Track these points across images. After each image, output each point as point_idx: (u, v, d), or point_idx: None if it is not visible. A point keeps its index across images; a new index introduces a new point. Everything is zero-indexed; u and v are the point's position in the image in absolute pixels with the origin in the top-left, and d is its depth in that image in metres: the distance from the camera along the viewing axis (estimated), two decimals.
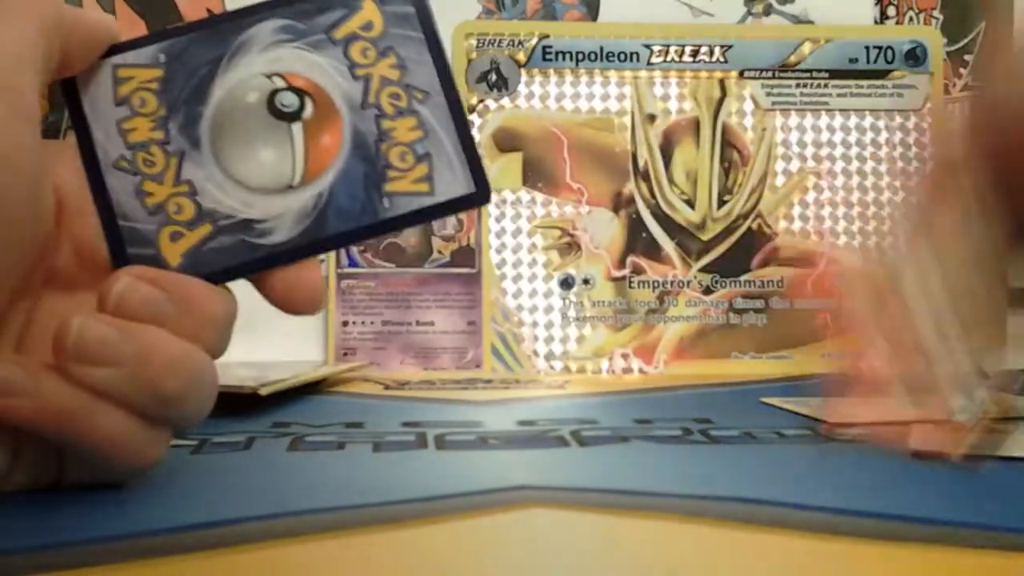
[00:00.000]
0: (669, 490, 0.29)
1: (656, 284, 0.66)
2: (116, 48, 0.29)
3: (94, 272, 0.28)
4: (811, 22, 0.73)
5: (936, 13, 0.77)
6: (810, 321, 0.66)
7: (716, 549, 0.24)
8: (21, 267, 0.27)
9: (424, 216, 0.28)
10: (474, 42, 0.67)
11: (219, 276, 0.28)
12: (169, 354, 0.26)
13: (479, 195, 0.29)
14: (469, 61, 0.67)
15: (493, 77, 0.67)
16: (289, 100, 0.28)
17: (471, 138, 0.29)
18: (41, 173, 0.27)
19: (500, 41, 0.67)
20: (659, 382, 0.59)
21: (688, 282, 0.66)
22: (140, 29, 0.78)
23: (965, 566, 0.22)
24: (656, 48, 0.68)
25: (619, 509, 0.27)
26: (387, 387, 0.56)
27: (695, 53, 0.68)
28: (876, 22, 0.75)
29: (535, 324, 0.65)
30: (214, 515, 0.25)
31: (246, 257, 0.28)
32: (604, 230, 0.66)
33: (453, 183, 0.28)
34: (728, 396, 0.52)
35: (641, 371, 0.65)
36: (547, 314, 0.65)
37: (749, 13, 0.72)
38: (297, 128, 0.28)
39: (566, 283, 0.66)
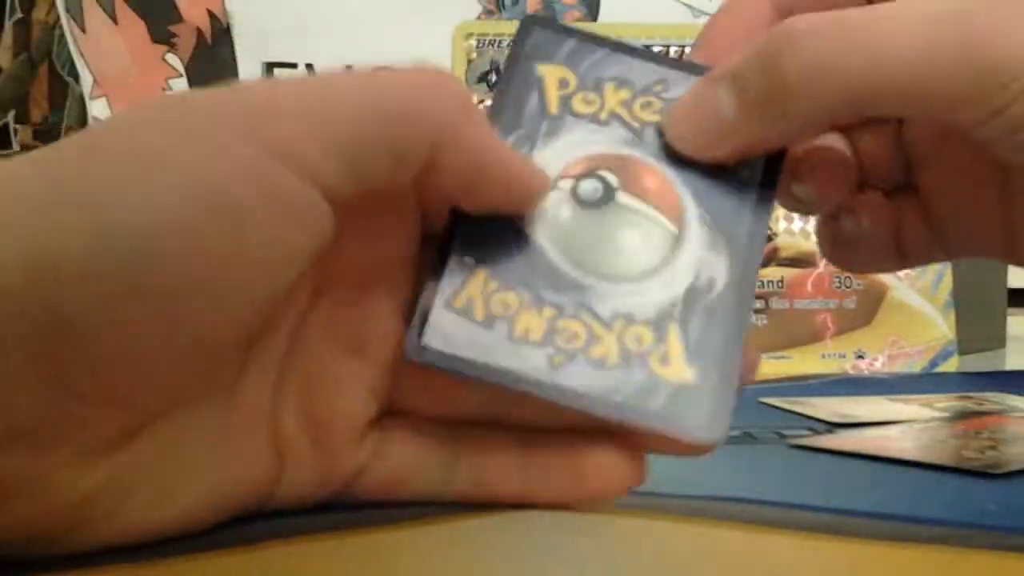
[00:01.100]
0: (669, 490, 0.29)
1: None
2: None
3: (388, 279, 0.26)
4: None
5: None
6: (810, 321, 0.66)
7: (716, 549, 0.24)
8: (286, 278, 0.23)
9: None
10: (474, 42, 0.68)
11: None
12: None
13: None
14: (469, 61, 0.67)
15: (493, 77, 0.67)
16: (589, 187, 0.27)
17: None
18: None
19: (500, 41, 0.67)
20: None
21: None
22: (140, 30, 0.78)
23: (965, 566, 0.22)
24: (656, 48, 0.68)
25: (619, 509, 0.27)
26: None
27: None
28: None
29: None
30: None
31: None
32: None
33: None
34: None
35: None
36: None
37: None
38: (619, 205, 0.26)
39: None
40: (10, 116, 0.81)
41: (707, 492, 0.28)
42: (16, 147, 0.81)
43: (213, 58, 0.76)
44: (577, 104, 0.27)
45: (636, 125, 0.27)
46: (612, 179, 0.27)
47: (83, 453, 0.21)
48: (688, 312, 0.25)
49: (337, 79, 0.23)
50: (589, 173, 0.27)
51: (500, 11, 0.71)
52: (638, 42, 0.68)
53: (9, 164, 0.21)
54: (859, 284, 0.63)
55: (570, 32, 0.28)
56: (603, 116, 0.27)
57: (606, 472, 0.25)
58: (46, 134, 0.81)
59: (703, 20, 0.72)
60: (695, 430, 0.24)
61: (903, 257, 0.30)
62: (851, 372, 0.61)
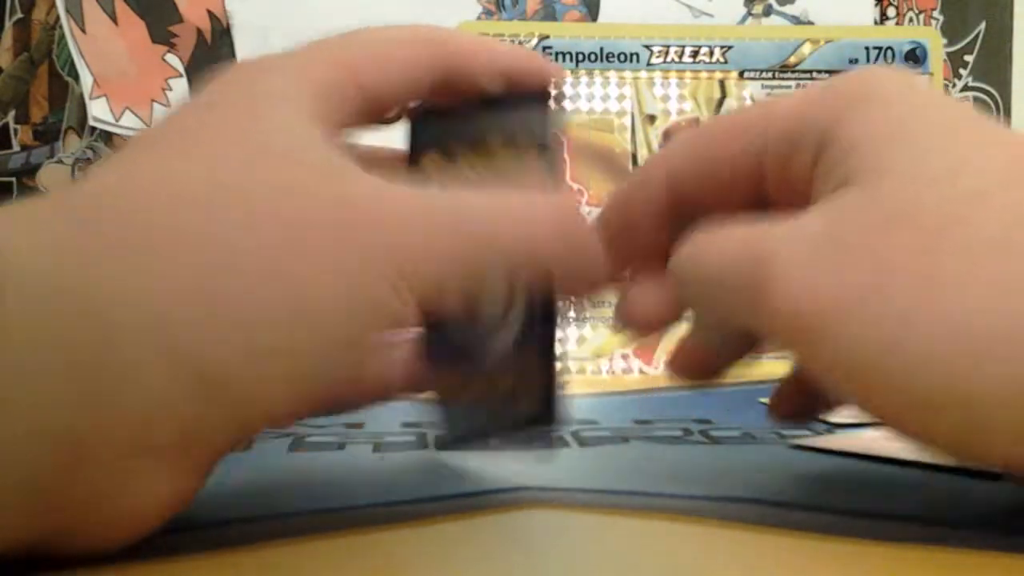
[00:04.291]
0: (669, 490, 0.29)
1: None
2: None
3: None
4: (811, 23, 0.73)
5: (936, 14, 0.78)
6: None
7: (716, 549, 0.24)
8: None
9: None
10: None
11: None
12: None
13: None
14: None
15: None
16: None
17: None
18: None
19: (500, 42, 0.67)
20: (659, 382, 0.59)
21: None
22: (140, 30, 0.78)
23: (966, 566, 0.22)
24: (656, 49, 0.68)
25: (619, 509, 0.27)
26: None
27: (695, 54, 0.68)
28: (876, 23, 0.75)
29: None
30: (214, 515, 0.25)
31: None
32: None
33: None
34: (728, 396, 0.51)
35: (641, 371, 0.65)
36: None
37: (749, 14, 0.73)
38: None
39: None
40: (10, 116, 0.81)
41: (707, 492, 0.28)
42: (16, 147, 0.81)
43: (213, 58, 0.76)
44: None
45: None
46: None
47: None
48: None
49: (468, 211, 0.25)
50: None
51: (500, 11, 0.71)
52: (638, 42, 0.68)
53: None
54: None
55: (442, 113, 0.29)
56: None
57: None
58: (46, 134, 0.81)
59: (703, 20, 0.72)
60: None
61: None
62: None
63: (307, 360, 0.22)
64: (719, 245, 0.26)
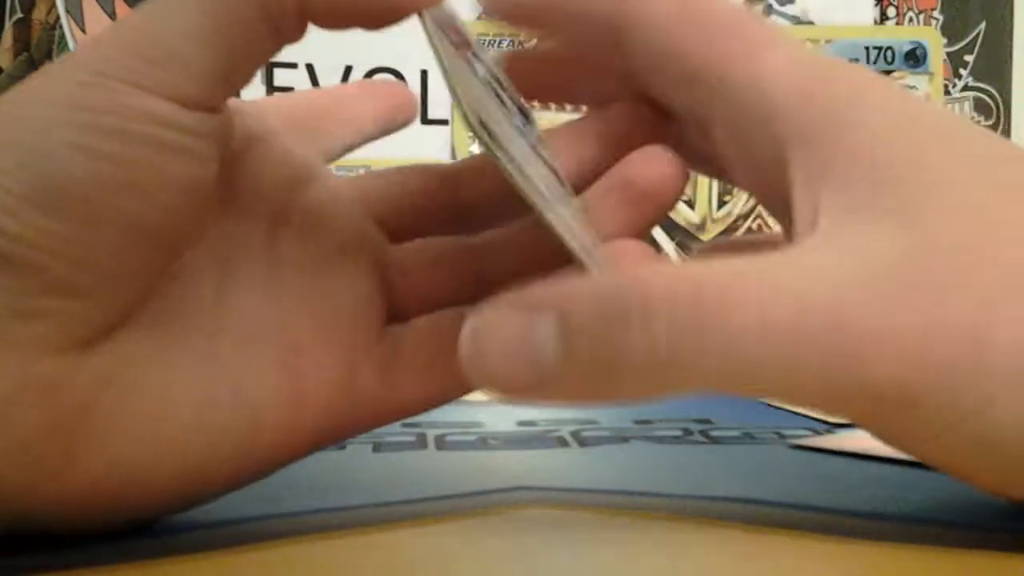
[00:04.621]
0: (669, 490, 0.29)
1: None
2: None
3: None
4: (811, 23, 0.73)
5: (936, 14, 0.78)
6: None
7: (716, 549, 0.24)
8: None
9: None
10: None
11: None
12: None
13: None
14: None
15: None
16: None
17: None
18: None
19: (500, 41, 0.67)
20: None
21: None
22: None
23: (966, 566, 0.22)
24: None
25: (619, 509, 0.27)
26: None
27: None
28: (876, 23, 0.75)
29: None
30: (214, 515, 0.25)
31: None
32: None
33: None
34: (728, 396, 0.51)
35: None
36: None
37: None
38: None
39: None
40: None
41: (707, 492, 0.28)
42: None
43: None
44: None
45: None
46: None
47: (71, 343, 0.21)
48: None
49: None
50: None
51: None
52: None
53: None
54: None
55: None
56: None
57: None
58: None
59: None
60: None
61: None
62: None
63: None
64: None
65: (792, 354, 0.20)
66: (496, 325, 0.21)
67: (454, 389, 0.26)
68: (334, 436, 0.26)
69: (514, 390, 0.21)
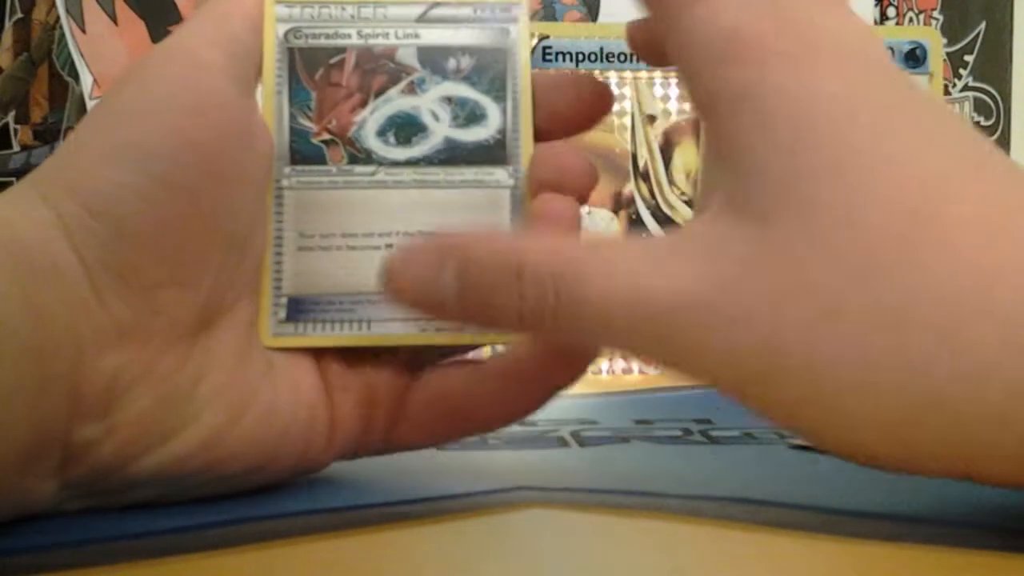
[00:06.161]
0: (669, 490, 0.29)
1: None
2: None
3: None
4: None
5: (936, 14, 0.78)
6: None
7: (716, 549, 0.24)
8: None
9: None
10: None
11: None
12: None
13: None
14: None
15: None
16: None
17: None
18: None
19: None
20: (659, 382, 0.59)
21: None
22: (140, 30, 0.78)
23: (966, 566, 0.22)
24: None
25: (619, 509, 0.27)
26: None
27: None
28: (876, 22, 0.75)
29: None
30: (214, 516, 0.25)
31: None
32: (604, 231, 0.66)
33: None
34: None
35: (641, 371, 0.65)
36: None
37: None
38: None
39: None
40: (10, 116, 0.81)
41: (707, 492, 0.28)
42: (16, 147, 0.81)
43: None
44: None
45: None
46: None
47: (173, 340, 0.26)
48: None
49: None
50: None
51: None
52: None
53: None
54: None
55: None
56: None
57: None
58: (46, 134, 0.81)
59: None
60: None
61: None
62: None
63: None
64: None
65: (625, 329, 0.23)
66: (413, 261, 0.25)
67: (452, 438, 0.31)
68: (354, 454, 0.30)
69: (421, 313, 0.27)
